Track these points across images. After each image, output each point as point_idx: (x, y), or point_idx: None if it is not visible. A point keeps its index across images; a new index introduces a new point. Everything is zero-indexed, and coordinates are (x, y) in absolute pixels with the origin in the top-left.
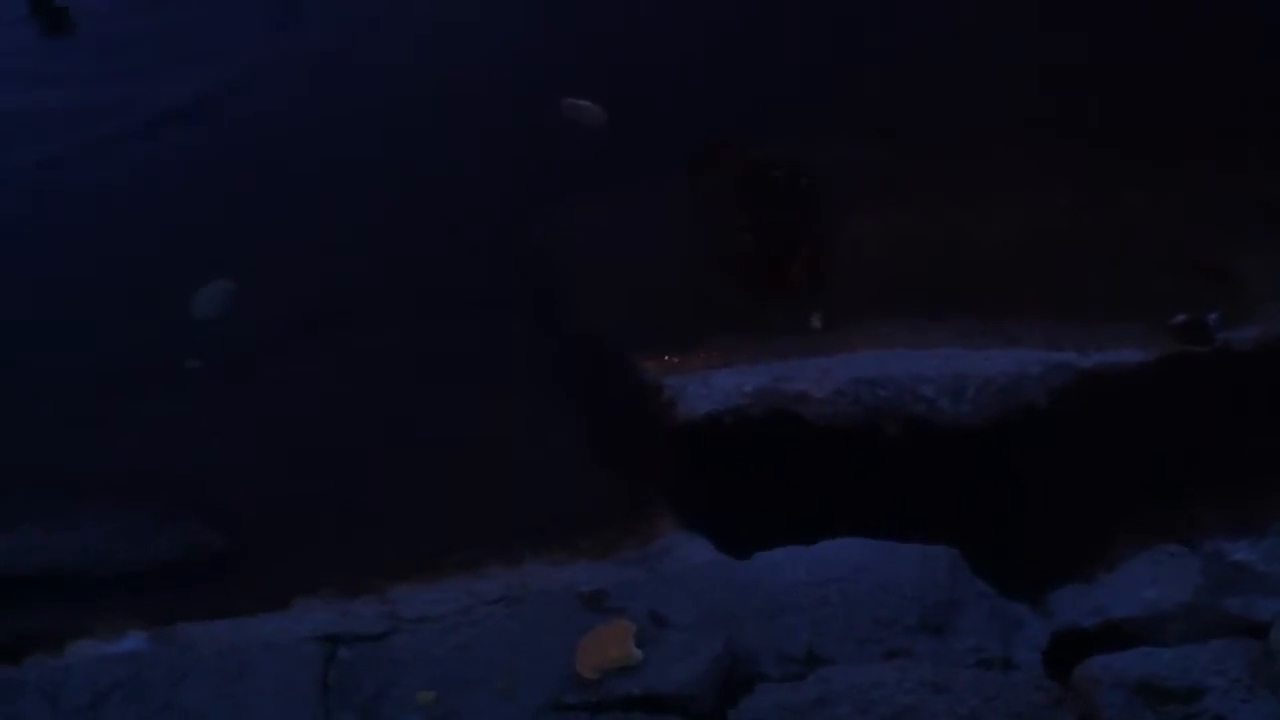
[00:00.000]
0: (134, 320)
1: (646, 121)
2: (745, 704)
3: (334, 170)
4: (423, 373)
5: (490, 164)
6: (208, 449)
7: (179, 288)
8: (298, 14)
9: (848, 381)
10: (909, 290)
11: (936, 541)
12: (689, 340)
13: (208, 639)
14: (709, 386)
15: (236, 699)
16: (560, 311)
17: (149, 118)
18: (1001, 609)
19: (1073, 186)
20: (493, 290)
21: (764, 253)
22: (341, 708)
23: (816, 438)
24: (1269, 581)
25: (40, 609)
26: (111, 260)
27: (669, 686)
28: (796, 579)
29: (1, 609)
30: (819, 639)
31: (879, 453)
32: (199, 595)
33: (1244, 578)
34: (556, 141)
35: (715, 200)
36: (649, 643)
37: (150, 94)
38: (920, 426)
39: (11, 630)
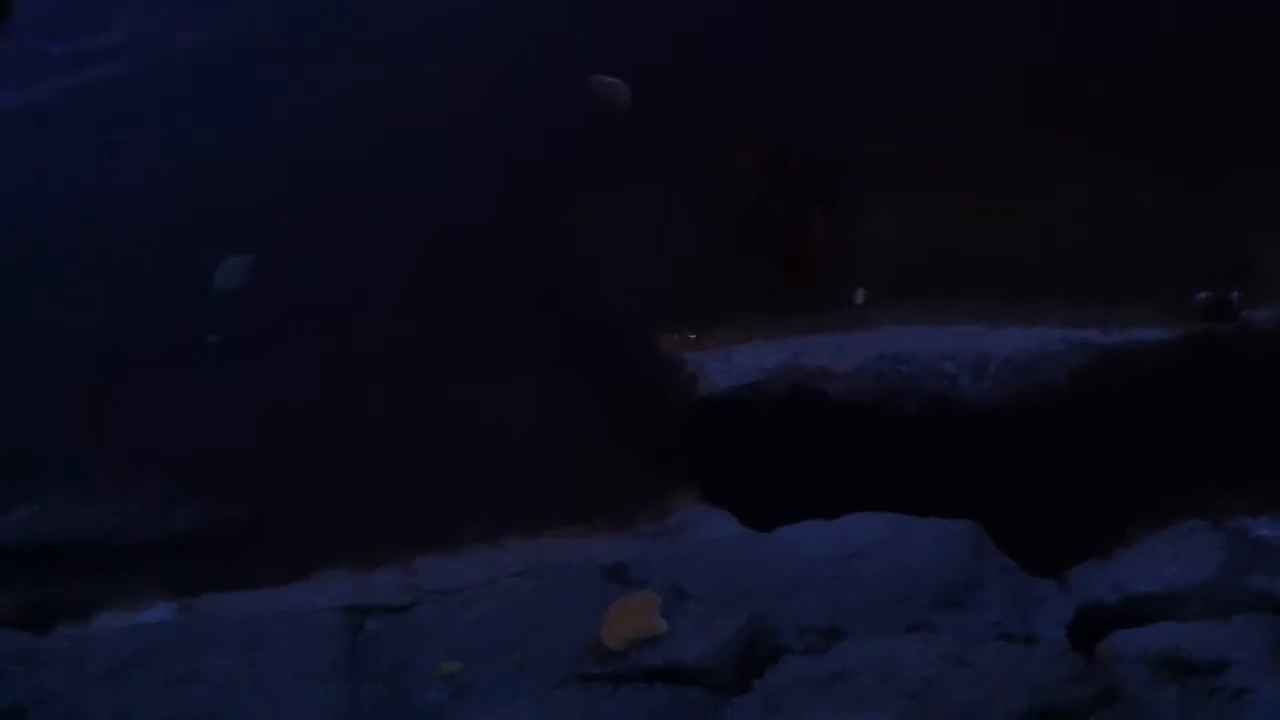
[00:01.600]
0: (152, 295)
1: (669, 106)
2: (768, 676)
3: (351, 150)
4: (441, 353)
5: (508, 144)
6: (227, 423)
7: (199, 265)
8: None
9: (870, 358)
10: (929, 274)
11: (958, 518)
12: (710, 319)
13: (232, 609)
14: (730, 362)
15: (260, 669)
16: (579, 291)
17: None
18: (1023, 585)
19: (1085, 181)
20: (510, 272)
21: (784, 237)
22: (366, 678)
23: (838, 414)
24: None
25: (64, 580)
26: (128, 237)
27: (692, 658)
28: (817, 553)
29: (26, 579)
30: (840, 613)
31: (900, 429)
32: (222, 567)
33: (1266, 555)
34: (575, 122)
35: (736, 185)
36: (672, 615)
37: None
38: (942, 403)
39: (36, 600)
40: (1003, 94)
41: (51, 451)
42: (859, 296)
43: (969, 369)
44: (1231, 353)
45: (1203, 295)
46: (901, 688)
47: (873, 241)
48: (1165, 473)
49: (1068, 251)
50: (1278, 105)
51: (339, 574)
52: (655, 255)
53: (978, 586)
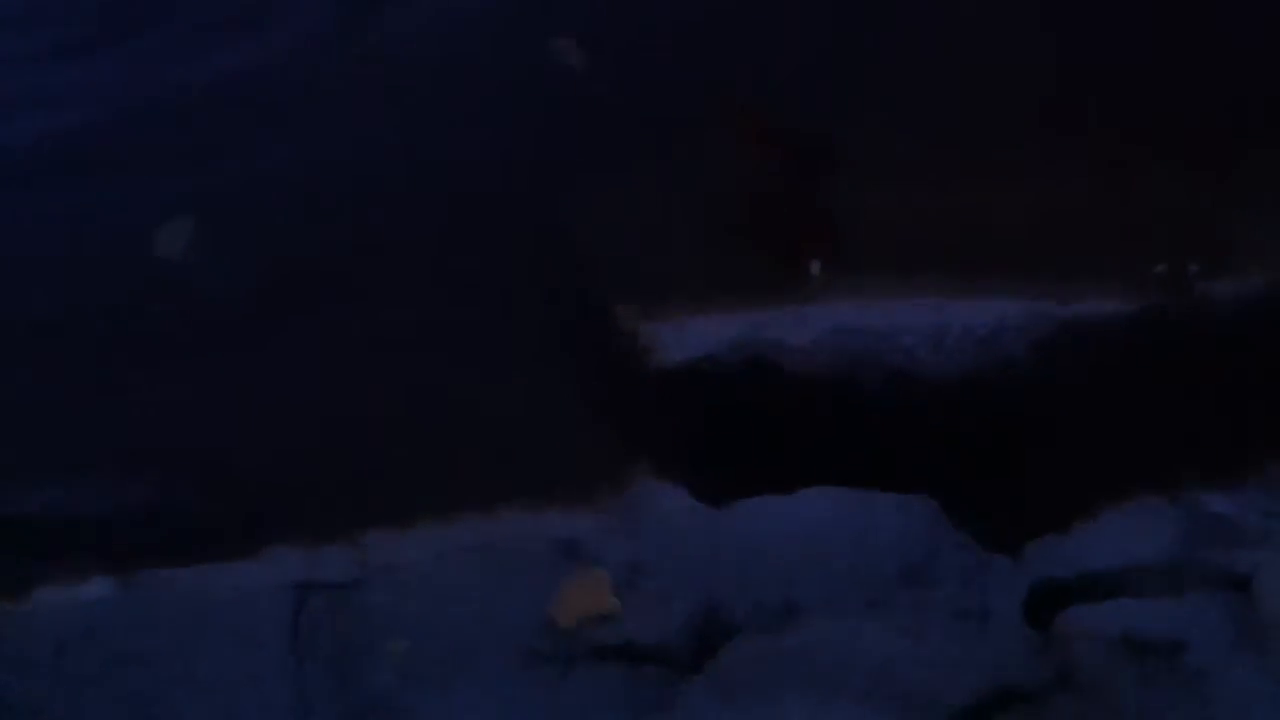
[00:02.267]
0: (113, 275)
1: (649, 83)
2: (723, 654)
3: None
4: (395, 329)
5: (487, 124)
6: (183, 407)
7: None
8: None
9: (827, 330)
10: (889, 250)
11: (915, 492)
12: (667, 291)
13: (174, 586)
14: (686, 334)
15: (203, 647)
16: (536, 263)
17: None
18: (980, 560)
19: (1066, 161)
20: (468, 242)
21: (754, 213)
22: (311, 656)
23: (795, 387)
24: (1249, 534)
25: (3, 556)
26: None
27: (647, 636)
28: (774, 529)
29: None
30: (797, 589)
31: (858, 402)
32: (167, 543)
33: (1224, 530)
34: (555, 103)
35: (712, 163)
36: (626, 592)
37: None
38: (899, 376)
39: None
40: (979, 78)
41: None
42: (815, 268)
43: (927, 341)
44: (1187, 325)
45: (1160, 268)
46: (860, 665)
47: (834, 217)
48: (1123, 447)
49: (1035, 229)
50: (1272, 88)
51: (286, 550)
52: (617, 227)
53: (935, 562)
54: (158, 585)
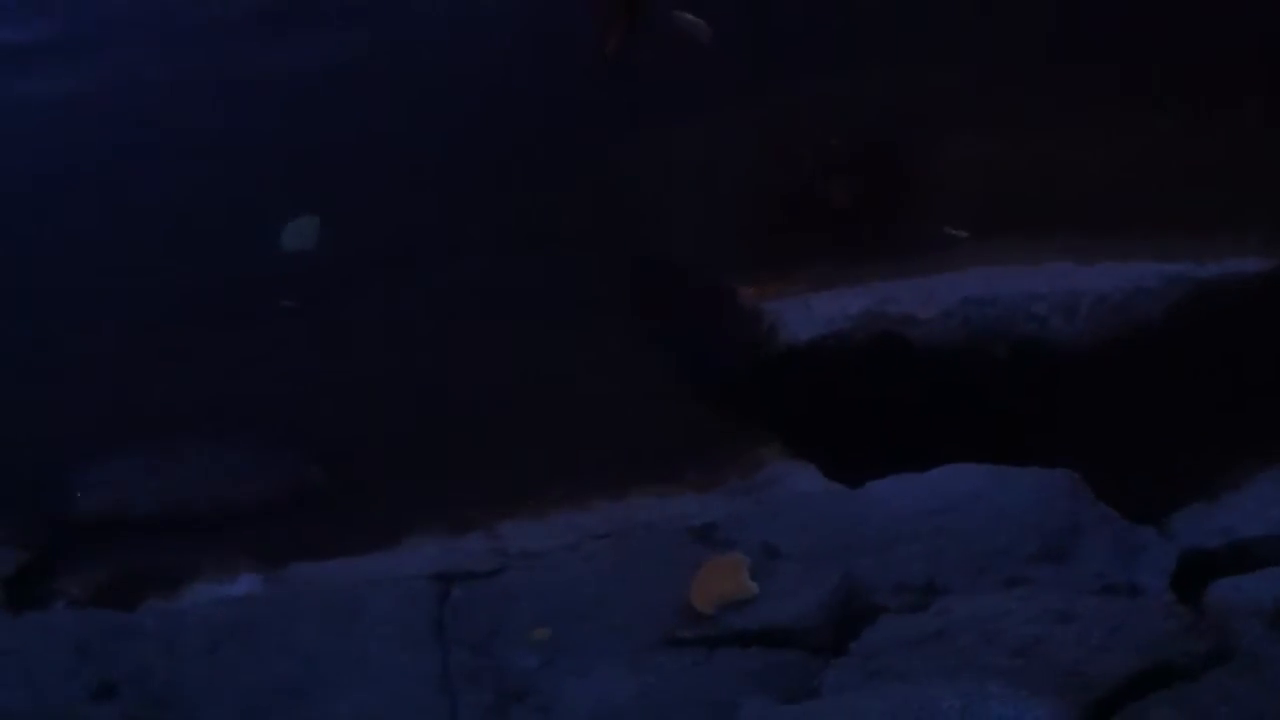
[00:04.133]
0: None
1: (729, 49)
2: (866, 636)
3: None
4: (507, 307)
5: (566, 87)
6: (299, 383)
7: (263, 222)
8: None
9: (956, 302)
10: (1014, 211)
11: (1054, 465)
12: (785, 266)
13: (320, 578)
14: (810, 311)
15: (351, 638)
16: (647, 241)
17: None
18: (1125, 533)
19: (1179, 109)
20: (573, 221)
21: (851, 180)
22: (456, 645)
23: (924, 361)
24: None
25: (150, 549)
26: (197, 192)
27: (786, 619)
28: (910, 507)
29: (112, 550)
30: (936, 568)
31: (990, 374)
32: (307, 533)
33: None
34: (636, 64)
35: (800, 128)
36: (763, 575)
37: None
38: (1033, 346)
39: (124, 572)
40: (1077, 24)
41: (125, 415)
42: (953, 231)
43: (1060, 309)
44: None
45: None
46: (1006, 645)
47: (952, 180)
48: (1270, 412)
49: (1145, 188)
50: None
51: (426, 539)
52: (723, 204)
53: (1078, 537)
54: (302, 578)
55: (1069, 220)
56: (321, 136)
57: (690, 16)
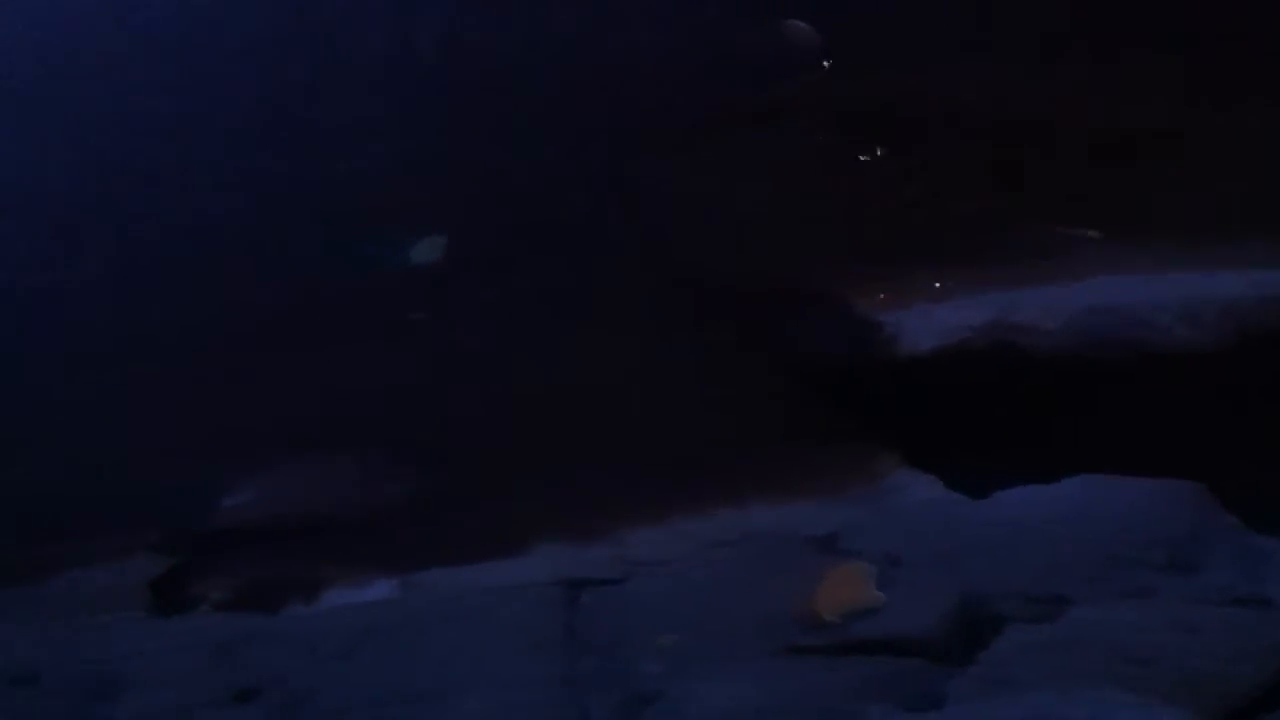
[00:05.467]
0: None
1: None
2: (991, 645)
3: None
4: (615, 317)
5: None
6: (419, 395)
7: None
8: None
9: (1079, 311)
10: (1142, 220)
11: (1179, 475)
12: (904, 271)
13: (452, 584)
14: (932, 321)
15: (483, 643)
16: (757, 246)
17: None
18: (1251, 544)
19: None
20: (679, 228)
21: (969, 181)
22: (585, 650)
23: (1048, 371)
24: None
25: (289, 556)
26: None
27: (911, 629)
28: (1033, 517)
29: (252, 557)
30: (1059, 578)
31: (1115, 384)
32: (437, 539)
33: None
34: (718, 70)
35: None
36: (886, 585)
37: None
38: (1156, 355)
39: (264, 578)
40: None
41: (266, 429)
42: (1084, 231)
43: (1183, 319)
44: None
45: None
46: (1134, 656)
47: (1077, 181)
48: None
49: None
50: None
51: (553, 546)
52: (841, 201)
53: (1203, 548)
54: (433, 584)
55: (1189, 227)
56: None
57: (800, 23)
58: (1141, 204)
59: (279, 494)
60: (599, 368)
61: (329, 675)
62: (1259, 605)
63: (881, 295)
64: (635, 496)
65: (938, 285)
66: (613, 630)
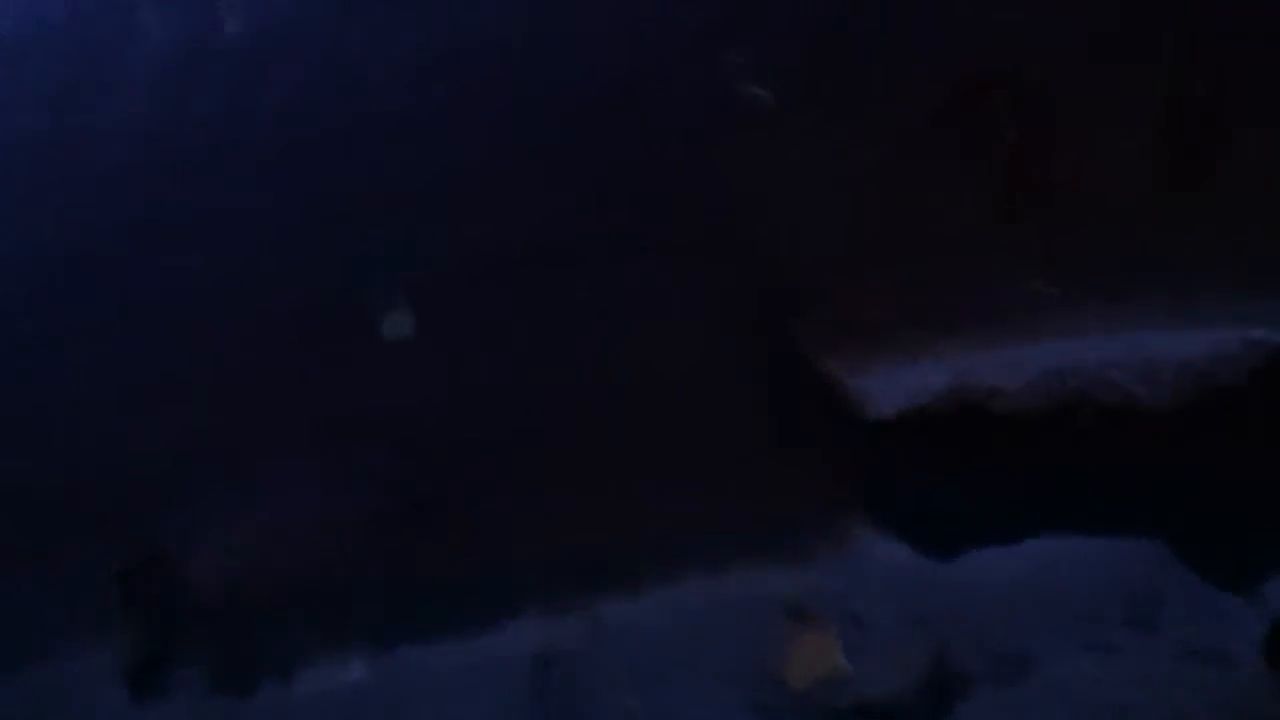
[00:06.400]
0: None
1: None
2: (961, 708)
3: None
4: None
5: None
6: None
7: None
8: None
9: (1038, 372)
10: (1099, 280)
11: (1138, 533)
12: (870, 335)
13: (425, 662)
14: (895, 384)
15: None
16: (730, 309)
17: None
18: (1210, 600)
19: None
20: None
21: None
22: (555, 716)
23: (1009, 433)
24: None
25: (266, 630)
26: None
27: (880, 693)
28: (998, 578)
29: (230, 632)
30: (1026, 639)
31: (1076, 445)
32: (413, 613)
33: None
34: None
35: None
36: (855, 648)
37: None
38: (1117, 415)
39: (241, 656)
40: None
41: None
42: (1042, 288)
43: (1142, 378)
44: None
45: None
46: (1094, 712)
47: (1024, 243)
48: None
49: (1240, 251)
50: None
51: (525, 622)
52: (806, 263)
53: (1162, 604)
54: (408, 662)
55: (1147, 287)
56: None
57: (756, 88)
58: (1099, 264)
59: (254, 566)
60: (564, 436)
61: None
62: (1216, 659)
63: (844, 359)
64: (606, 565)
65: (902, 348)
66: (581, 697)
